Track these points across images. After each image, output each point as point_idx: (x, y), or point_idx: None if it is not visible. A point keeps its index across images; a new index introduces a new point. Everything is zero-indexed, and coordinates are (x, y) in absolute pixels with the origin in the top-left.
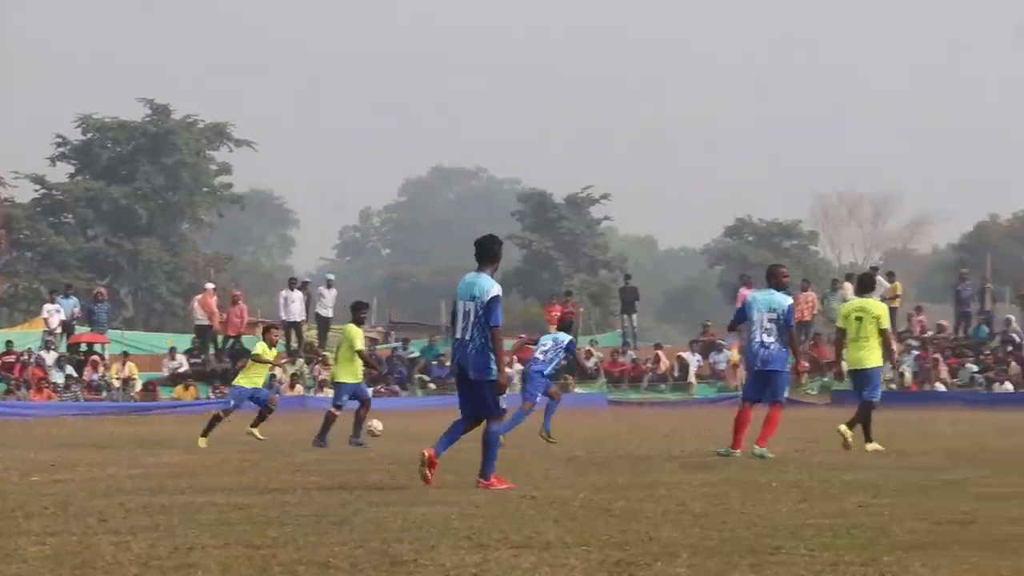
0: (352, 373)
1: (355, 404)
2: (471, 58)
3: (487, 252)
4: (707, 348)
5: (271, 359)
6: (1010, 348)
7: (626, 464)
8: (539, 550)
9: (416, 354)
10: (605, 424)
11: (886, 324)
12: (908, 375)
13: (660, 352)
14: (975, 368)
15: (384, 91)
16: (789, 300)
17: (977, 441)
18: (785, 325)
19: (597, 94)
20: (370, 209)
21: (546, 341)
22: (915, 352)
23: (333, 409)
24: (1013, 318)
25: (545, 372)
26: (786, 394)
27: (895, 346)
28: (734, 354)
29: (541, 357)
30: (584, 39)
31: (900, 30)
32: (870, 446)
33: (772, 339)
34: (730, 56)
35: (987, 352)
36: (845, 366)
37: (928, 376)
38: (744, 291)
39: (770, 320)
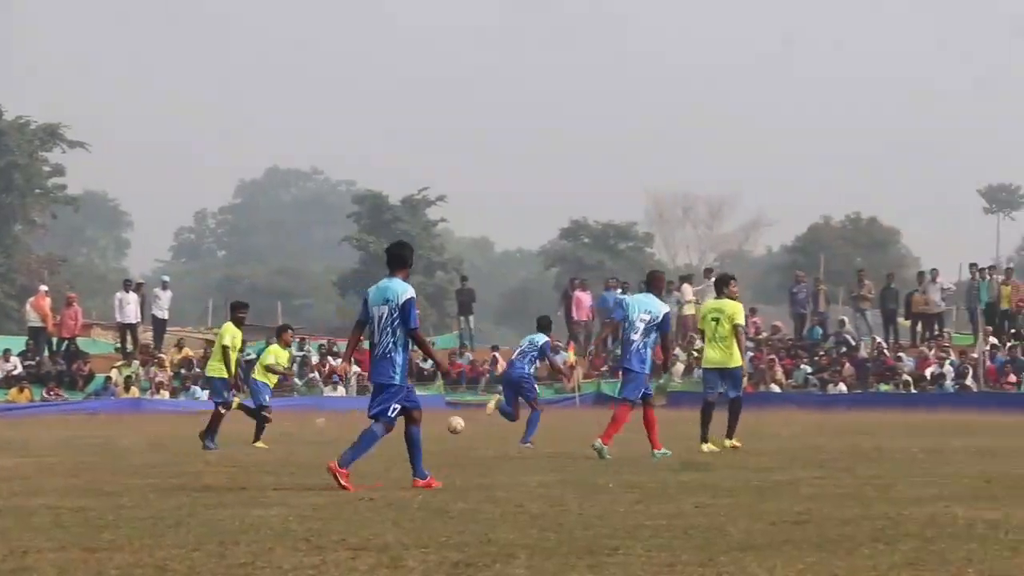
0: (219, 370)
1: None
2: (305, 58)
3: (397, 258)
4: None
5: (284, 369)
6: (844, 349)
7: (464, 466)
8: (377, 552)
9: (252, 356)
10: (443, 426)
11: (739, 321)
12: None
13: (497, 354)
14: (809, 369)
15: (218, 92)
16: (666, 308)
17: (811, 442)
18: (656, 329)
19: (433, 96)
20: (205, 211)
21: (523, 342)
22: (750, 353)
23: (220, 408)
24: (847, 319)
25: (528, 372)
26: (639, 394)
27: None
28: (571, 355)
29: (519, 359)
30: (418, 39)
31: (735, 27)
32: (706, 447)
33: (637, 338)
34: (565, 56)
35: (821, 353)
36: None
37: (763, 377)
38: (579, 294)
39: (641, 321)
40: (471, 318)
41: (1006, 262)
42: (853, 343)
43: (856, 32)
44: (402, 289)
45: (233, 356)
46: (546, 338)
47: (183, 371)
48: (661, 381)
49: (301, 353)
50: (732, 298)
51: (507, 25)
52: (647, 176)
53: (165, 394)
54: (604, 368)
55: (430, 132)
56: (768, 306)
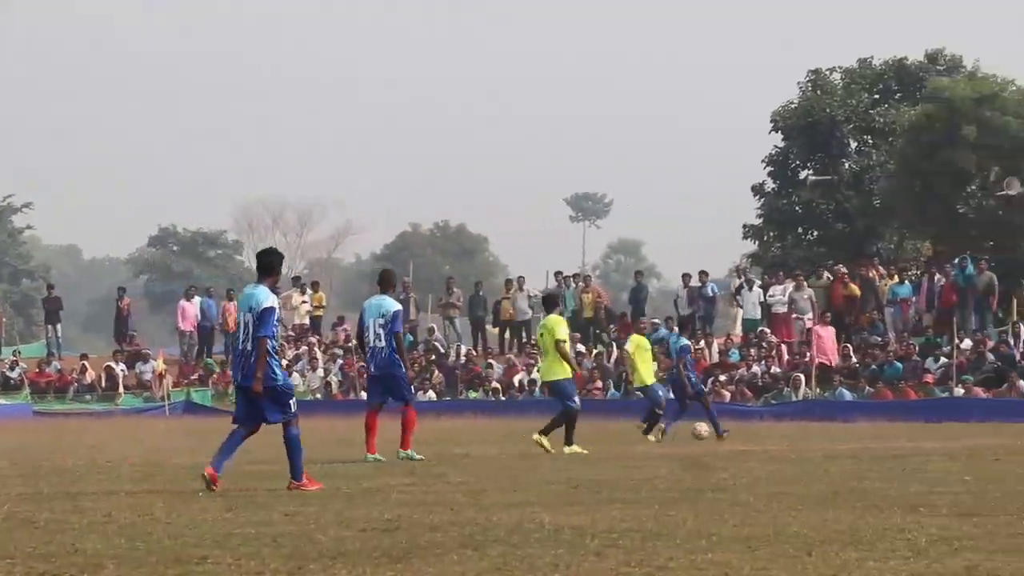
0: None
1: None
2: None
3: (266, 265)
4: (133, 358)
5: None
6: (433, 357)
7: (52, 475)
8: None
9: None
10: (30, 435)
11: (560, 336)
12: (335, 384)
13: (86, 362)
14: None
15: None
16: (397, 306)
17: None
18: (392, 330)
19: (18, 98)
20: None
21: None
22: (340, 361)
23: None
24: (435, 327)
25: None
26: (413, 392)
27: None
28: (160, 364)
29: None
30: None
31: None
32: (568, 449)
33: (383, 344)
34: (164, 59)
35: (411, 361)
36: None
37: (353, 385)
38: (184, 304)
39: (380, 325)
40: (59, 326)
41: (592, 269)
42: (442, 350)
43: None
44: (264, 297)
45: None
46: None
47: None
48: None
49: None
50: (391, 294)
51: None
52: (236, 184)
53: None
54: (194, 376)
55: (18, 137)
56: (356, 314)
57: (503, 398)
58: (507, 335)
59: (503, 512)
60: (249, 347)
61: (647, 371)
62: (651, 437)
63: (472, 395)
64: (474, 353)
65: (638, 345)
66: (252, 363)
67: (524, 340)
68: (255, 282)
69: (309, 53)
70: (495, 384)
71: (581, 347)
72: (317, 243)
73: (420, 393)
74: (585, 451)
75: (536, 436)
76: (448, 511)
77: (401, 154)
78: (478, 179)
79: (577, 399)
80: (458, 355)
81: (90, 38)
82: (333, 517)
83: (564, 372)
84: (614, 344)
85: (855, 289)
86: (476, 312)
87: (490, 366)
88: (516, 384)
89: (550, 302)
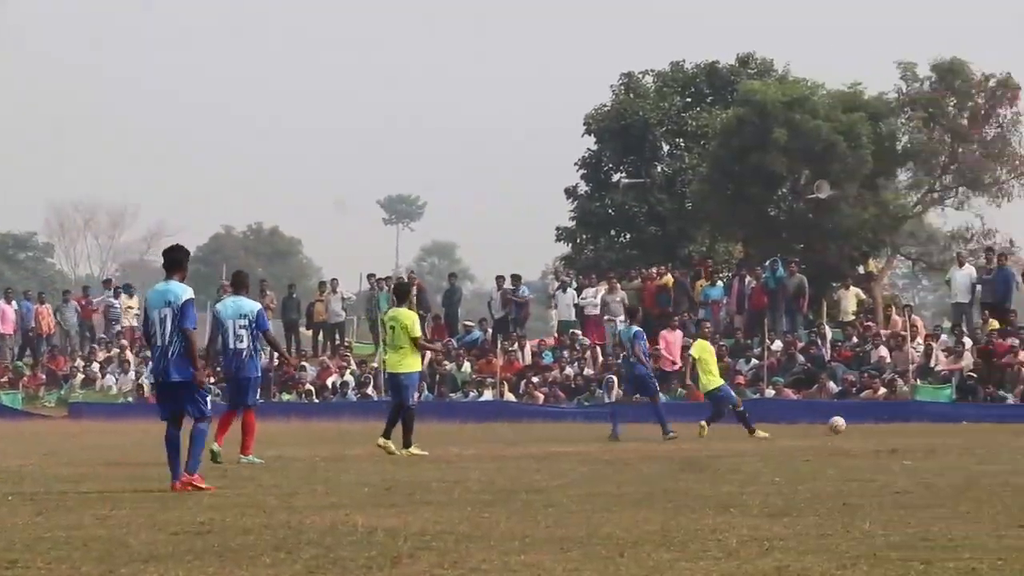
0: None
1: None
2: None
3: (174, 261)
4: None
5: None
6: None
7: None
8: None
9: None
10: None
11: (416, 333)
12: (147, 386)
13: None
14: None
15: None
16: (258, 305)
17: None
18: (257, 329)
19: None
20: None
21: None
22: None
23: None
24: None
25: None
26: (258, 398)
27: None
28: None
29: None
30: None
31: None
32: (408, 451)
33: (244, 345)
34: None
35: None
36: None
37: None
38: (1, 305)
39: (241, 327)
40: None
41: (405, 272)
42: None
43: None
44: (180, 291)
45: None
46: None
47: None
48: (62, 392)
49: None
50: (247, 294)
51: None
52: (47, 186)
53: None
54: (3, 379)
55: None
56: None
57: (316, 400)
58: (321, 337)
59: (316, 515)
60: (168, 342)
61: (714, 375)
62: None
63: (285, 397)
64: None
65: (704, 349)
66: (177, 358)
67: (338, 342)
68: (164, 279)
69: (119, 52)
70: (308, 386)
71: None
72: (129, 245)
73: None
74: (425, 452)
75: (381, 441)
76: (261, 514)
77: (214, 156)
78: (291, 182)
79: (415, 397)
80: (271, 357)
81: None
82: (145, 520)
83: (416, 366)
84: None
85: (669, 279)
86: (289, 314)
87: (303, 368)
88: (329, 386)
89: (401, 294)
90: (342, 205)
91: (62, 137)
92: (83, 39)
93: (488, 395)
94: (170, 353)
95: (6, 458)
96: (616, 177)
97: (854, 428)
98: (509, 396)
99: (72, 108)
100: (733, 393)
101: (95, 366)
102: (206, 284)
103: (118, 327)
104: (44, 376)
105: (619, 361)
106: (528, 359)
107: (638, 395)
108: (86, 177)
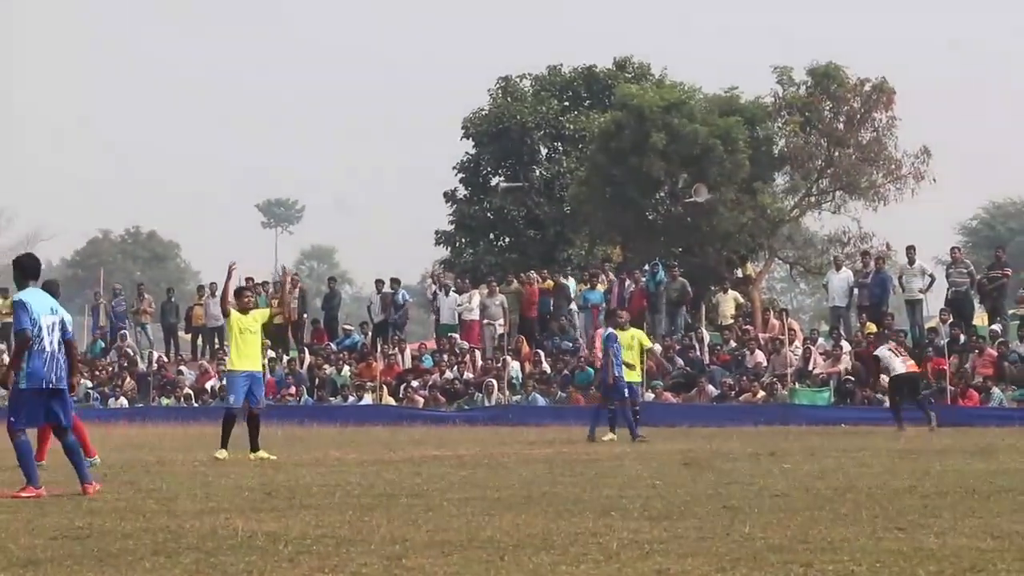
0: None
1: None
2: None
3: (36, 270)
4: None
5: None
6: (126, 363)
7: None
8: None
9: None
10: None
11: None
12: None
13: None
14: (89, 384)
15: None
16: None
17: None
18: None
19: None
20: None
21: None
22: None
23: None
24: (127, 333)
25: None
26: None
27: None
28: None
29: None
30: None
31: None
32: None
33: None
34: None
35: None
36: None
37: None
38: None
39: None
40: None
41: (280, 271)
42: (134, 356)
43: None
44: (55, 301)
45: None
46: None
47: None
48: None
49: None
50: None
51: None
52: None
53: None
54: None
55: None
56: None
57: (196, 404)
58: (200, 341)
59: (196, 519)
60: (57, 350)
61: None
62: None
63: (165, 401)
64: (165, 359)
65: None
66: (65, 366)
67: (216, 346)
68: (28, 286)
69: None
70: (187, 390)
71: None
72: (5, 249)
73: (112, 400)
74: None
75: (252, 456)
76: (140, 518)
77: (90, 160)
78: (168, 185)
79: (233, 399)
80: (150, 361)
81: None
82: (23, 525)
83: (231, 365)
84: (306, 350)
85: (551, 283)
86: (168, 319)
87: (181, 372)
88: (208, 390)
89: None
90: (342, 205)
91: None
92: None
93: (368, 399)
94: (60, 360)
95: None
96: (495, 181)
97: (734, 431)
98: (389, 400)
99: None
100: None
101: None
102: (81, 288)
103: None
104: None
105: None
106: (408, 363)
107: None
108: None
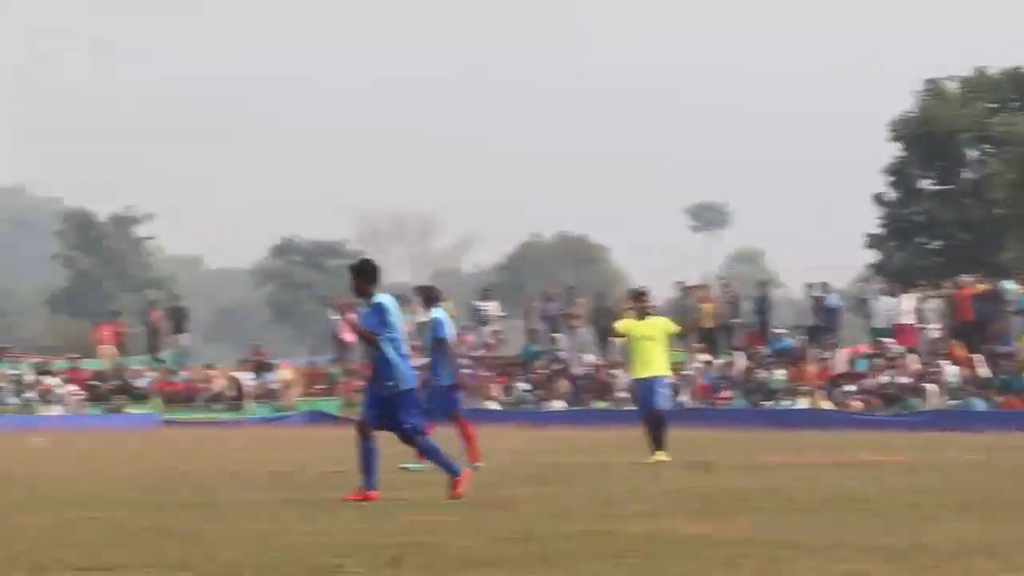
0: None
1: None
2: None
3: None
4: (259, 368)
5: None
6: (558, 366)
7: (185, 484)
8: (103, 571)
9: None
10: (161, 445)
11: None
12: None
13: (212, 372)
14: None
15: None
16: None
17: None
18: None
19: (139, 113)
20: None
21: None
22: (468, 371)
23: None
24: (559, 336)
25: None
26: None
27: None
28: (286, 373)
29: None
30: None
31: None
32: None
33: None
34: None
35: (536, 371)
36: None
37: (479, 393)
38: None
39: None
40: (186, 336)
41: (715, 280)
42: (566, 360)
43: None
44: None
45: None
46: None
47: None
48: None
49: (16, 372)
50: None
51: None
52: (355, 195)
53: None
54: (322, 386)
55: (139, 147)
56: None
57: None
58: None
59: (634, 522)
60: None
61: None
62: None
63: (599, 404)
64: (598, 362)
65: None
66: None
67: None
68: (381, 291)
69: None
70: (622, 393)
71: (707, 356)
72: (441, 252)
73: (545, 403)
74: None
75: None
76: (580, 521)
77: (516, 166)
78: (599, 191)
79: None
80: (583, 365)
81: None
82: (460, 527)
83: None
84: (741, 354)
85: (983, 287)
86: (600, 321)
87: (612, 376)
88: None
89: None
90: None
91: (369, 147)
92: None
93: (803, 403)
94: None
95: (326, 464)
96: (922, 183)
97: None
98: (824, 404)
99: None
100: None
101: None
102: (513, 292)
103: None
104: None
105: None
106: (842, 366)
107: None
108: (394, 186)
